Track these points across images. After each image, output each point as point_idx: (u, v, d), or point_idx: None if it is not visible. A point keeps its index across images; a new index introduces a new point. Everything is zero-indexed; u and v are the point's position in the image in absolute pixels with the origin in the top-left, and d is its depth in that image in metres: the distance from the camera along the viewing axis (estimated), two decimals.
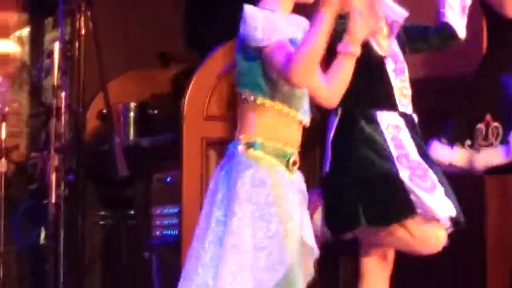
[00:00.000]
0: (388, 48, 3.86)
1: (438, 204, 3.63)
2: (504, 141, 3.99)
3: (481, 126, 4.05)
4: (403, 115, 3.79)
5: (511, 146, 3.98)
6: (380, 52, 3.70)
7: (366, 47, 3.44)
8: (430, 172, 3.70)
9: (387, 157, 3.63)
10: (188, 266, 3.05)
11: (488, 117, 4.04)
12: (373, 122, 3.70)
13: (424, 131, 4.02)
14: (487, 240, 5.04)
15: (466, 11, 4.00)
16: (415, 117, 3.89)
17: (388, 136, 3.66)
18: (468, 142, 4.07)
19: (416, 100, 4.17)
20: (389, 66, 3.84)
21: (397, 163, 3.63)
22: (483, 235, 5.04)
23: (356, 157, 3.61)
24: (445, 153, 4.11)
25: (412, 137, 3.75)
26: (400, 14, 3.79)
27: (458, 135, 4.14)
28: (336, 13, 3.02)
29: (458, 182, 4.09)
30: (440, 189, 3.68)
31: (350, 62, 3.12)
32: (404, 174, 3.62)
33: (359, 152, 3.59)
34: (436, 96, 5.06)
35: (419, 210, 3.54)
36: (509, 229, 4.95)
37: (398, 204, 3.60)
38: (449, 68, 4.88)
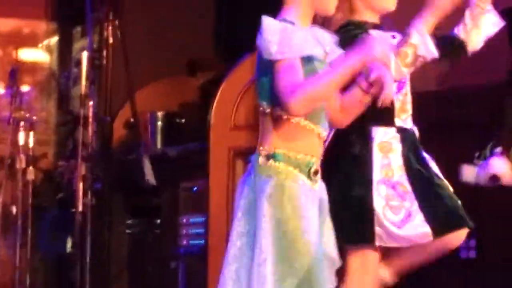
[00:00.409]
0: (402, 75, 3.68)
1: (411, 232, 3.55)
2: None
3: None
4: (401, 130, 3.70)
5: None
6: (393, 74, 3.46)
7: None
8: (410, 197, 3.60)
9: (367, 181, 3.55)
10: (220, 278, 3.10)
11: None
12: (367, 138, 3.61)
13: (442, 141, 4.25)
14: None
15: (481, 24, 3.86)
16: (416, 131, 3.82)
17: (377, 156, 3.58)
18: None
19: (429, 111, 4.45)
20: None
21: (374, 191, 3.56)
22: None
23: (339, 176, 3.50)
24: (498, 165, 4.07)
25: (406, 154, 3.67)
26: (431, 53, 3.62)
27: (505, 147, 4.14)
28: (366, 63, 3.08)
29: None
30: (416, 217, 3.59)
31: (367, 99, 3.14)
32: (378, 204, 3.55)
33: (343, 170, 3.53)
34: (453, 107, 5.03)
35: (377, 243, 3.49)
36: None
37: (361, 232, 3.54)
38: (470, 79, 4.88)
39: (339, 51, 3.23)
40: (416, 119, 3.85)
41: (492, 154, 4.02)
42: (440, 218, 3.62)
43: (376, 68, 3.09)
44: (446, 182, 3.75)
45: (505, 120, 4.26)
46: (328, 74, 3.02)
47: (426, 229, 3.57)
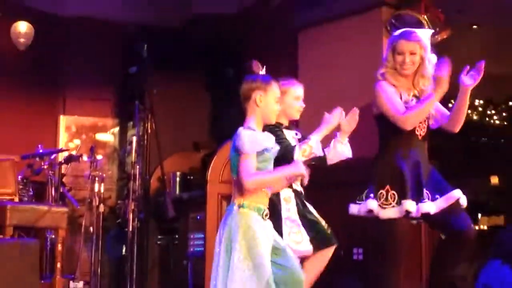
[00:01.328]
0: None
1: (303, 248, 4.14)
2: (399, 203, 4.15)
3: (382, 192, 4.23)
4: (295, 191, 4.26)
5: (402, 207, 4.12)
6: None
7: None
8: (302, 228, 4.18)
9: (279, 217, 4.09)
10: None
11: (388, 187, 4.22)
12: (278, 195, 4.15)
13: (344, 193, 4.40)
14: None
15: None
16: (302, 190, 4.31)
17: (284, 205, 4.18)
18: (379, 199, 4.21)
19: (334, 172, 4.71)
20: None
21: (283, 224, 4.13)
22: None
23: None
24: (372, 204, 4.25)
25: (297, 204, 4.23)
26: (319, 152, 4.26)
27: (376, 195, 4.24)
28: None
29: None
30: (306, 237, 4.17)
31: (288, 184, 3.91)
32: (285, 231, 4.11)
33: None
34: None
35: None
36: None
37: None
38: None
39: (276, 147, 3.65)
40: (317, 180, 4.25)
41: (367, 197, 4.25)
42: (316, 240, 4.18)
43: (299, 170, 3.57)
44: (317, 216, 4.28)
45: (374, 177, 4.30)
46: (271, 175, 3.54)
47: (310, 247, 4.15)
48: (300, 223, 4.15)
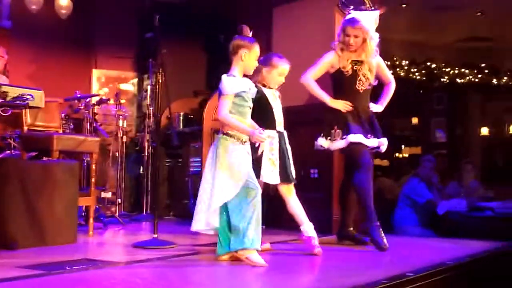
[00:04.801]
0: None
1: (274, 179, 3.99)
2: (343, 138, 4.32)
3: (333, 131, 4.40)
4: (278, 132, 4.04)
5: (346, 142, 4.29)
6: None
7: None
8: (277, 162, 4.04)
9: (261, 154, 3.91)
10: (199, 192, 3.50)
11: (335, 127, 4.39)
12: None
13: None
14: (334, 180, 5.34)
15: None
16: (285, 132, 4.08)
17: (266, 142, 3.82)
18: (329, 137, 4.43)
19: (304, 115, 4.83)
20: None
21: (263, 157, 3.98)
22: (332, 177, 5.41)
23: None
24: (323, 142, 4.44)
25: (279, 141, 4.00)
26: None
27: (326, 134, 4.44)
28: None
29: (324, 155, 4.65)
30: (276, 170, 4.01)
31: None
32: (264, 162, 3.99)
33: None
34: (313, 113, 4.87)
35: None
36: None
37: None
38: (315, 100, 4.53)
39: (254, 89, 3.62)
40: (288, 121, 4.10)
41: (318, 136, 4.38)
42: (284, 176, 3.99)
43: (254, 137, 3.47)
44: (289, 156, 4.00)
45: (325, 121, 4.44)
46: (236, 124, 3.48)
47: (278, 179, 3.95)
48: (277, 158, 3.95)
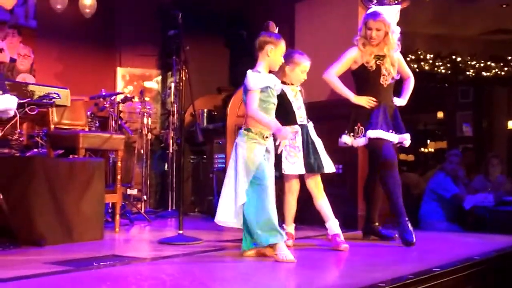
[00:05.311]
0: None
1: (298, 169, 4.01)
2: (364, 135, 4.32)
3: (356, 128, 4.43)
4: (301, 125, 4.08)
5: (367, 138, 4.32)
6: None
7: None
8: (300, 154, 4.04)
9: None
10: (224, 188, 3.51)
11: (359, 124, 4.40)
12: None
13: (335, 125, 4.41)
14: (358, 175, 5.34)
15: None
16: (311, 124, 4.12)
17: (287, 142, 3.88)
18: (352, 134, 4.45)
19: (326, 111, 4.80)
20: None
21: (283, 149, 3.93)
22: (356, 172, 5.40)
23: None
24: (346, 139, 4.46)
25: (304, 134, 4.04)
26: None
27: (350, 131, 4.45)
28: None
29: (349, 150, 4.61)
30: (301, 161, 4.02)
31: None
32: (283, 155, 3.99)
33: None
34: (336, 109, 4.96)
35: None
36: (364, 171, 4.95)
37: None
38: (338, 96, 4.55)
39: (280, 85, 3.62)
40: (311, 116, 4.12)
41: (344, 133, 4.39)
42: (308, 165, 3.99)
43: (280, 135, 3.47)
44: (321, 147, 4.03)
45: (351, 118, 4.45)
46: (264, 119, 3.45)
47: (303, 169, 3.98)
48: (301, 149, 3.95)
